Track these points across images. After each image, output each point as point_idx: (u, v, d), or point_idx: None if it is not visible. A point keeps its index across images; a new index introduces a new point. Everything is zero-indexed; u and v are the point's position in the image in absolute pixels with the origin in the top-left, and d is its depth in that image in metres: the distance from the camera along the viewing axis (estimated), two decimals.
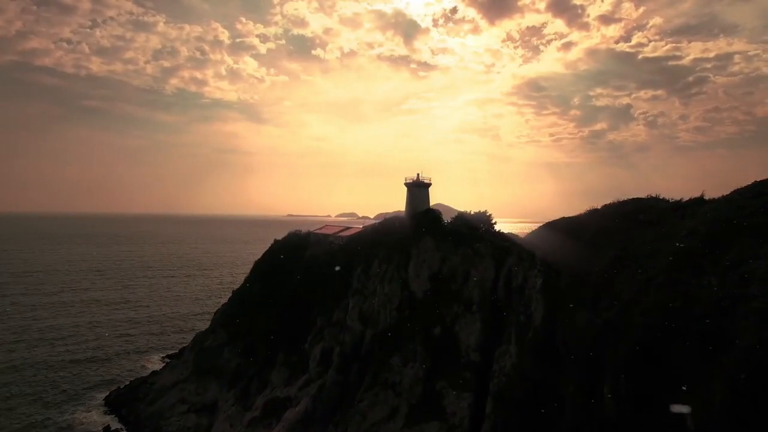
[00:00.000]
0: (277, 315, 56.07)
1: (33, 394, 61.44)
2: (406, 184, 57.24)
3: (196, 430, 50.41)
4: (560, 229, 38.51)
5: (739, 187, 29.28)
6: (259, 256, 73.55)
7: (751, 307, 18.00)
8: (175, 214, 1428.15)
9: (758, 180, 27.64)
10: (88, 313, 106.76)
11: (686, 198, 34.02)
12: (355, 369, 41.11)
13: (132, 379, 66.58)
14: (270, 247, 72.37)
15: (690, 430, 18.38)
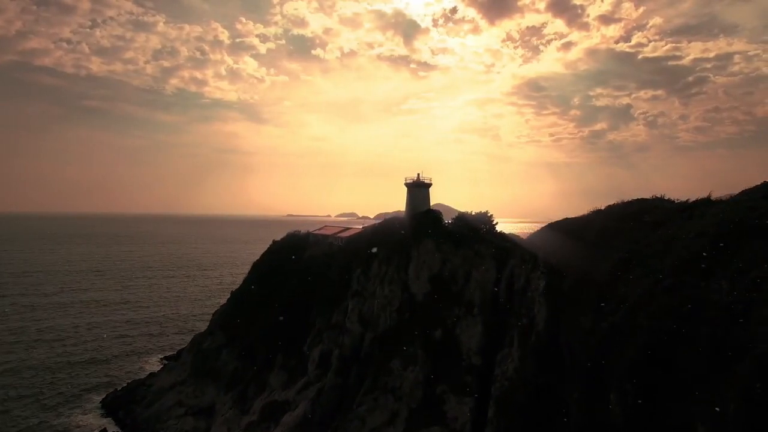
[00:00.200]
0: (275, 317, 55.42)
1: (30, 396, 60.85)
2: (407, 185, 56.56)
3: None
4: (563, 230, 37.77)
5: (746, 187, 28.58)
6: (258, 257, 72.93)
7: (765, 314, 17.31)
8: (175, 214, 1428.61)
9: None
10: (88, 313, 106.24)
11: (692, 199, 33.36)
12: (354, 372, 40.43)
13: (129, 381, 65.98)
14: (269, 248, 71.74)
15: None
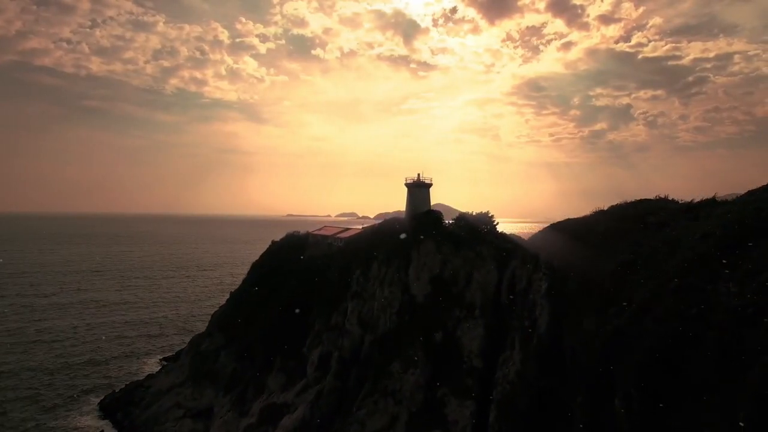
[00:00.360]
0: (274, 318, 54.94)
1: (28, 398, 60.43)
2: (407, 185, 56.03)
3: None
4: (565, 231, 37.26)
5: (746, 186, 28.12)
6: (258, 257, 72.46)
7: None
8: (175, 214, 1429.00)
9: None
10: (87, 314, 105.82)
11: (697, 199, 32.87)
12: (353, 375, 39.93)
13: (128, 382, 65.49)
14: (268, 249, 71.29)
15: None
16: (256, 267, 69.38)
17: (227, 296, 72.82)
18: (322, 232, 67.63)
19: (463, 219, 47.65)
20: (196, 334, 70.48)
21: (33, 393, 62.04)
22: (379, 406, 35.78)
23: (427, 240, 42.79)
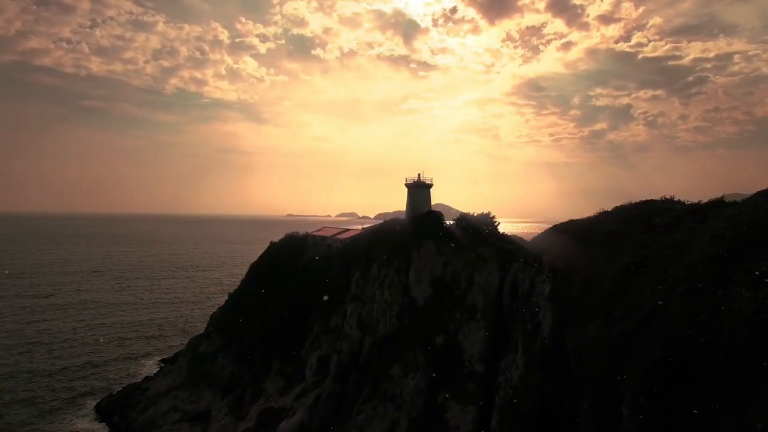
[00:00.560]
0: (272, 320, 54.25)
1: (24, 401, 59.80)
2: (407, 185, 55.29)
3: None
4: (568, 232, 36.55)
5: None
6: (257, 257, 71.74)
7: None
8: (175, 214, 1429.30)
9: None
10: (86, 315, 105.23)
11: (701, 200, 32.17)
12: (353, 379, 39.21)
13: (125, 384, 64.79)
14: (267, 250, 70.56)
15: None
16: (254, 268, 68.69)
17: (227, 297, 72.17)
18: (321, 233, 66.93)
19: (464, 220, 46.92)
20: (194, 336, 69.80)
21: (30, 395, 61.39)
22: (379, 411, 35.08)
23: (428, 241, 42.08)
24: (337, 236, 61.84)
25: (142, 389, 60.41)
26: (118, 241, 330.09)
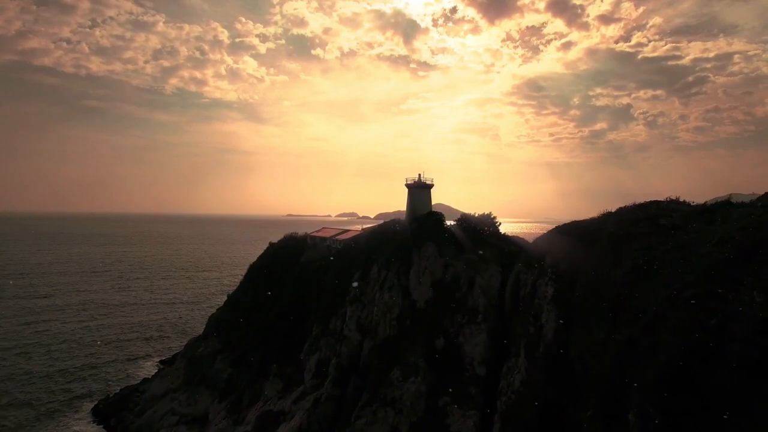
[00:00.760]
0: (271, 322, 53.60)
1: (22, 403, 59.20)
2: (408, 185, 54.68)
3: None
4: (571, 233, 35.93)
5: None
6: (256, 258, 71.03)
7: None
8: (174, 214, 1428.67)
9: None
10: (85, 316, 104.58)
11: (706, 200, 31.60)
12: (352, 382, 38.56)
13: (123, 386, 64.16)
14: (265, 250, 69.86)
15: None
16: (253, 269, 68.00)
17: (226, 298, 71.48)
18: (320, 234, 66.28)
19: (465, 220, 46.32)
20: (193, 338, 69.14)
21: (27, 397, 60.75)
22: (379, 415, 34.44)
23: (429, 243, 41.46)
24: (337, 237, 61.21)
25: (139, 391, 59.82)
26: (117, 241, 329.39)
